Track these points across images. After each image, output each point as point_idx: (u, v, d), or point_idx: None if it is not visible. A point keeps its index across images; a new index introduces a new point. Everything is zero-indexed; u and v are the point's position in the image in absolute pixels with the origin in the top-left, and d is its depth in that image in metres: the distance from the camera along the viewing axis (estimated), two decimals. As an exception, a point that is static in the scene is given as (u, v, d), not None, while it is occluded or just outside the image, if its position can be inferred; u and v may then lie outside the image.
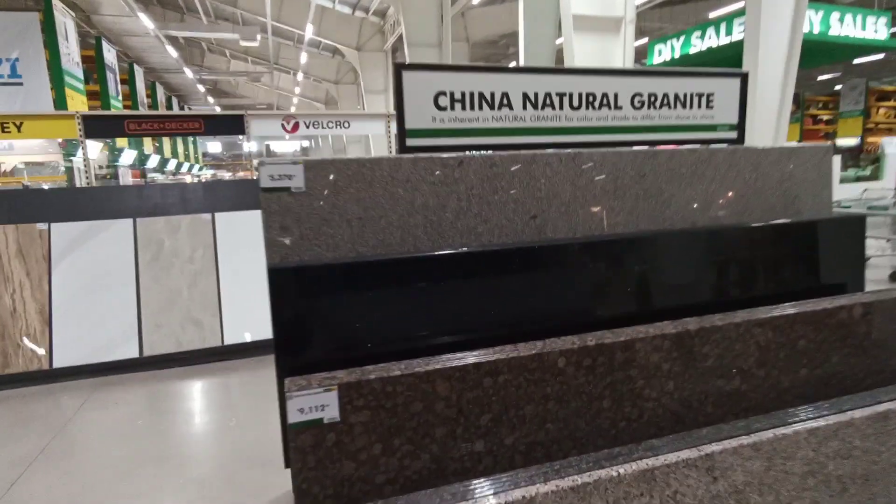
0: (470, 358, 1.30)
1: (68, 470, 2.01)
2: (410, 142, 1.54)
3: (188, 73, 15.77)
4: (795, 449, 1.24)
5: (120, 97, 12.79)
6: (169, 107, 18.08)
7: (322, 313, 1.34)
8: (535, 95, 1.64)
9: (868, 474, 1.33)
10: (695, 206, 1.80)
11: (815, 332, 1.60)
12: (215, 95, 24.03)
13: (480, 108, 1.60)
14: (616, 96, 1.73)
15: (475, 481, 1.13)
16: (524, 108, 1.64)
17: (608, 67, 1.74)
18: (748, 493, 1.19)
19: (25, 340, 3.71)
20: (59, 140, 9.83)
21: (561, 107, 1.68)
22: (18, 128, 3.51)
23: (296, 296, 1.31)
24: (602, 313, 1.58)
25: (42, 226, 3.71)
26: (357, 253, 1.46)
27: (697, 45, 6.64)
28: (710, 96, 1.85)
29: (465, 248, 1.52)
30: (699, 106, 1.84)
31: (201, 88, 19.47)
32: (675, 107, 1.81)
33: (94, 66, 11.47)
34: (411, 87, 1.52)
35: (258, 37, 13.46)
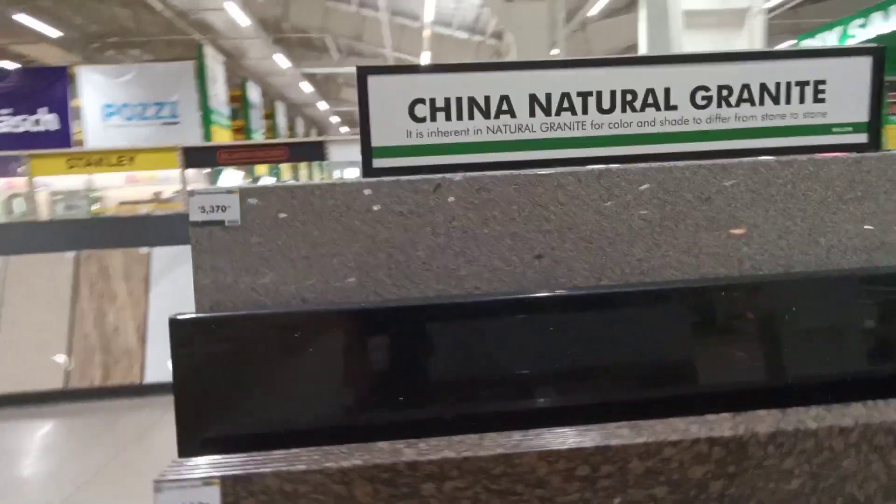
0: (406, 452, 0.95)
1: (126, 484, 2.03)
2: (378, 162, 1.25)
3: (320, 106, 17.15)
4: None
5: (263, 130, 14.24)
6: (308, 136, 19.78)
7: (237, 377, 1.09)
8: (548, 97, 1.25)
9: None
10: (789, 240, 1.25)
11: None
12: (352, 125, 25.96)
13: (471, 116, 1.25)
14: (667, 92, 1.27)
15: None
16: (532, 114, 1.26)
17: (655, 54, 1.30)
18: None
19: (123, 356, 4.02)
20: (207, 170, 11.03)
21: (585, 110, 1.26)
22: (132, 160, 3.90)
23: (201, 353, 1.07)
24: (624, 395, 1.13)
25: (144, 250, 4.02)
26: (302, 300, 1.19)
27: (860, 34, 5.44)
28: (818, 84, 1.29)
29: (436, 297, 1.18)
30: (801, 99, 1.30)
31: (334, 120, 21.08)
32: (762, 102, 1.29)
33: (240, 104, 12.88)
34: (380, 95, 1.23)
35: (383, 68, 14.16)
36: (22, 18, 9.60)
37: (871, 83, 1.29)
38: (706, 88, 1.27)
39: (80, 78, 9.84)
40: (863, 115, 1.31)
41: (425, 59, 12.66)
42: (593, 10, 10.02)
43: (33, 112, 9.58)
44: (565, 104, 1.26)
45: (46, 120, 9.61)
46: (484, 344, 1.15)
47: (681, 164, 1.24)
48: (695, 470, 0.96)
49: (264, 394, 1.11)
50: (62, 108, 9.62)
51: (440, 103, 1.24)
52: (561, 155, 1.27)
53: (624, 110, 1.27)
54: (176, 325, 1.05)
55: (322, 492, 0.92)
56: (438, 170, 1.25)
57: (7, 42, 11.48)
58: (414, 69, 1.24)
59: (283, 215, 1.18)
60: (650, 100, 1.27)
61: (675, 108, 1.27)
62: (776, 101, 1.29)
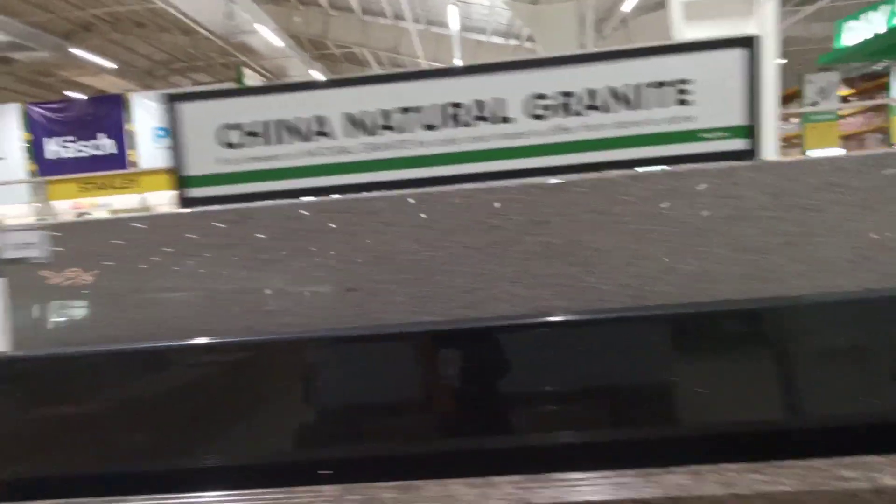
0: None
1: None
2: (192, 192, 1.19)
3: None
4: None
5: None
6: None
7: (31, 420, 1.06)
8: (367, 115, 1.15)
9: None
10: (641, 268, 1.07)
11: None
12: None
13: (285, 140, 1.17)
14: (501, 103, 1.13)
15: None
16: (349, 134, 1.16)
17: (485, 63, 1.15)
18: None
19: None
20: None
21: (408, 129, 1.15)
22: (135, 182, 4.09)
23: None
24: (419, 449, 0.99)
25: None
26: (110, 339, 1.15)
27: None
28: (683, 85, 1.11)
29: (245, 334, 1.10)
30: (661, 103, 1.11)
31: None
32: (614, 108, 1.12)
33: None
34: (190, 121, 1.17)
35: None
36: (82, 53, 10.44)
37: (747, 79, 1.09)
38: (544, 96, 1.12)
39: (133, 104, 10.55)
40: (740, 118, 1.10)
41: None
42: (626, 6, 9.56)
43: (93, 137, 10.36)
44: (386, 122, 1.14)
45: (105, 144, 10.36)
46: (282, 383, 1.06)
47: (510, 183, 1.10)
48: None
49: (65, 438, 1.08)
50: (118, 132, 10.34)
51: (253, 128, 1.16)
52: (384, 178, 1.15)
53: (453, 125, 1.14)
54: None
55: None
56: (255, 198, 1.17)
57: (72, 74, 12.57)
58: (225, 93, 1.18)
59: (90, 251, 1.15)
60: (481, 112, 1.13)
61: (510, 119, 1.13)
62: (631, 105, 1.11)
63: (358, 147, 1.15)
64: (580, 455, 0.92)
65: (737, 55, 1.09)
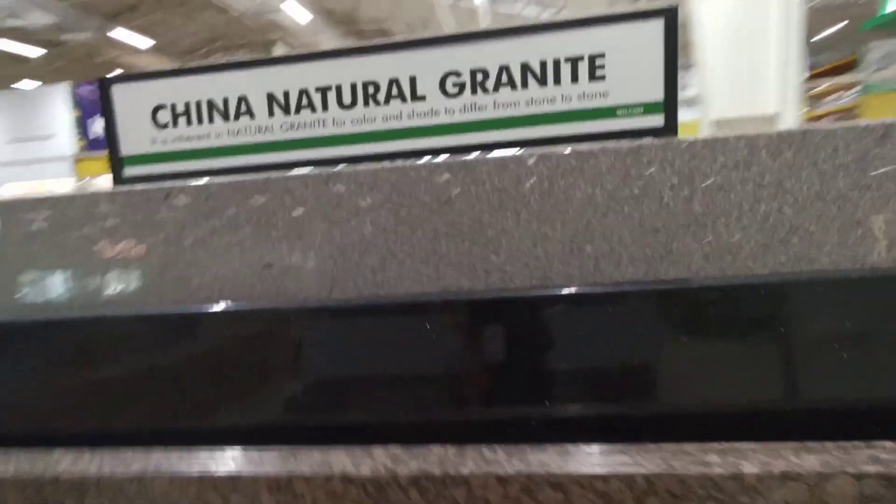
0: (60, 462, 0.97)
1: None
2: (129, 171, 1.25)
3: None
4: None
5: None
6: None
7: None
8: (286, 95, 1.17)
9: None
10: (547, 249, 1.06)
11: None
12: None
13: (211, 120, 1.21)
14: (413, 81, 1.13)
15: None
16: (271, 114, 1.18)
17: (398, 39, 1.13)
18: None
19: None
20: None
21: (325, 107, 1.16)
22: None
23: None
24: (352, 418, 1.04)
25: None
26: (56, 311, 1.24)
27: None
28: (595, 59, 1.07)
29: (169, 308, 1.17)
30: (574, 78, 1.08)
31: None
32: (525, 85, 1.10)
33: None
34: (124, 103, 1.23)
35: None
36: (121, 34, 10.79)
37: (664, 52, 1.05)
38: (458, 74, 1.11)
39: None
40: (656, 93, 1.07)
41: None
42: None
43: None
44: (304, 101, 1.17)
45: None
46: (207, 358, 1.12)
47: (417, 162, 1.11)
48: None
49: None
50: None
51: (181, 108, 1.21)
52: (304, 156, 1.18)
53: (367, 104, 1.15)
54: None
55: (-25, 498, 0.96)
56: (184, 176, 1.22)
57: (117, 55, 13.08)
58: (157, 74, 1.22)
59: (37, 227, 1.23)
60: (394, 91, 1.13)
61: (423, 98, 1.13)
62: (542, 82, 1.09)
63: (277, 126, 1.18)
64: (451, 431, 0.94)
65: (653, 27, 1.04)
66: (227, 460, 0.93)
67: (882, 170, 0.98)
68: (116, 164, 1.24)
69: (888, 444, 0.83)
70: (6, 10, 8.81)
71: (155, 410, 1.09)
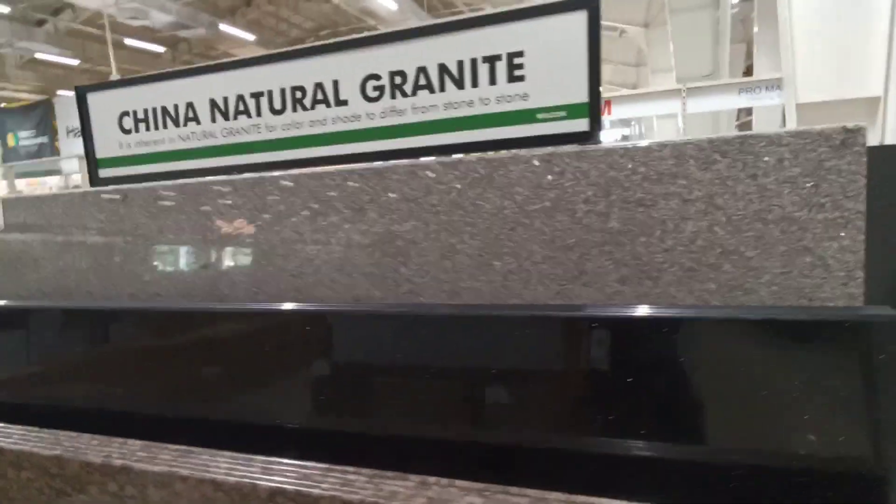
0: (0, 440, 1.09)
1: None
2: (103, 173, 1.36)
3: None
4: None
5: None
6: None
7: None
8: (225, 101, 1.20)
9: None
10: (455, 262, 1.00)
11: None
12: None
13: (164, 125, 1.27)
14: (336, 85, 1.10)
15: None
16: (213, 120, 1.22)
17: (320, 44, 1.05)
18: None
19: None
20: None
21: (259, 113, 1.18)
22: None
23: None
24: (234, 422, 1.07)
25: None
26: (43, 296, 1.39)
27: None
28: (513, 58, 0.98)
29: (129, 303, 1.27)
30: (492, 80, 1.00)
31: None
32: (442, 88, 1.03)
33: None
34: (98, 110, 1.33)
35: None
36: (228, 28, 11.70)
37: (587, 48, 0.93)
38: (377, 77, 1.07)
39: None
40: (579, 95, 0.95)
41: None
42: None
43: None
44: (241, 107, 1.19)
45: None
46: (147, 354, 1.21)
47: (331, 168, 1.09)
48: None
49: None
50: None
51: (140, 114, 1.29)
52: (240, 161, 1.21)
53: (294, 109, 1.14)
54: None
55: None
56: (146, 178, 1.31)
57: (228, 47, 14.21)
58: (125, 83, 1.31)
59: (25, 223, 1.39)
60: (319, 95, 1.12)
61: (345, 102, 1.10)
62: (459, 84, 1.02)
63: (219, 131, 1.22)
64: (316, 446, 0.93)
65: (573, 21, 0.93)
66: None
67: (839, 185, 0.80)
68: (92, 165, 1.35)
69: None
70: (131, 12, 9.96)
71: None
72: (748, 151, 0.84)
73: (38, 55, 12.96)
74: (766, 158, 0.83)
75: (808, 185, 0.82)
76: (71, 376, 1.23)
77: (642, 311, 0.83)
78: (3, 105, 14.21)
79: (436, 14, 16.07)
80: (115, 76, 10.54)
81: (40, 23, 12.69)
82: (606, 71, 19.78)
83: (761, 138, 0.83)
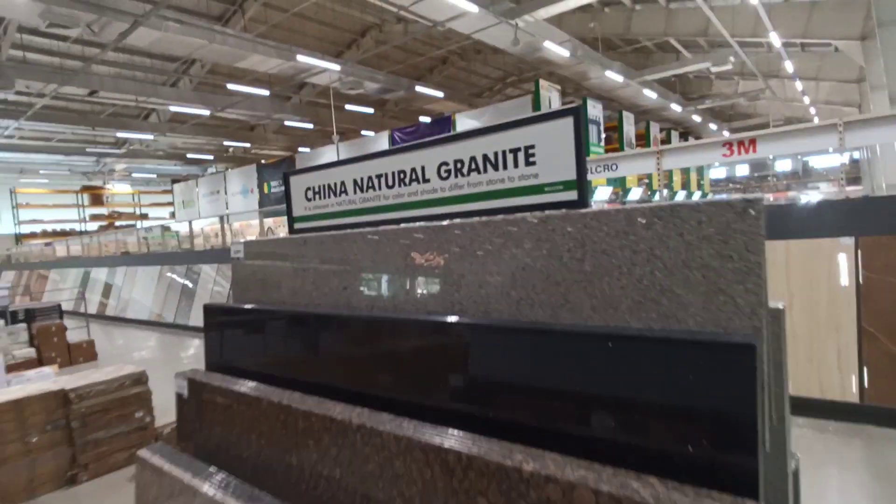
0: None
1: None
2: (297, 225, 2.11)
3: (674, 107, 16.58)
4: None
5: (601, 143, 15.03)
6: (668, 140, 19.21)
7: (226, 335, 2.17)
8: (362, 180, 1.84)
9: None
10: (488, 291, 1.42)
11: (503, 498, 1.10)
12: (722, 119, 23.54)
13: (328, 196, 1.96)
14: (423, 169, 1.64)
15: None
16: (354, 192, 1.87)
17: (416, 142, 1.44)
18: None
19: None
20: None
21: (378, 188, 1.78)
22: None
23: (213, 321, 2.20)
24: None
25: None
26: (263, 304, 2.18)
27: None
28: (529, 149, 1.39)
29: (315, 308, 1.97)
30: (515, 164, 1.42)
31: (696, 118, 19.71)
32: (485, 170, 1.49)
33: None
34: (294, 187, 2.09)
35: (730, 59, 12.80)
36: (421, 89, 13.52)
37: (574, 141, 1.31)
38: (447, 164, 1.58)
39: (458, 122, 12.98)
40: (570, 174, 1.32)
41: (775, 39, 10.63)
42: None
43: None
44: (370, 184, 1.81)
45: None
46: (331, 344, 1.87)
47: (422, 224, 1.62)
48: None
49: (238, 349, 2.16)
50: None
51: (317, 189, 2.00)
52: (368, 219, 1.82)
53: (400, 185, 1.72)
54: (205, 309, 2.23)
55: (228, 396, 1.91)
56: (316, 230, 2.01)
57: (419, 105, 16.34)
58: (308, 170, 2.05)
59: (258, 255, 2.20)
60: (413, 176, 1.67)
61: (428, 181, 1.63)
62: (495, 167, 1.47)
63: (358, 200, 1.86)
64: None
65: (564, 124, 1.32)
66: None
67: (742, 242, 1.05)
68: (291, 221, 2.11)
69: (652, 478, 0.97)
70: (350, 84, 12.36)
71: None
72: (677, 216, 1.13)
73: (287, 122, 16.60)
74: (690, 221, 1.11)
75: (719, 241, 1.08)
76: (305, 362, 1.95)
77: (606, 330, 1.17)
78: (263, 161, 18.47)
79: (616, 51, 16.12)
80: (335, 136, 12.97)
81: (288, 98, 16.30)
82: (823, 89, 17.27)
83: (686, 206, 1.12)
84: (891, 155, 9.94)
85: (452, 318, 1.48)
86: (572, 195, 1.33)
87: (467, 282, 1.49)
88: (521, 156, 1.42)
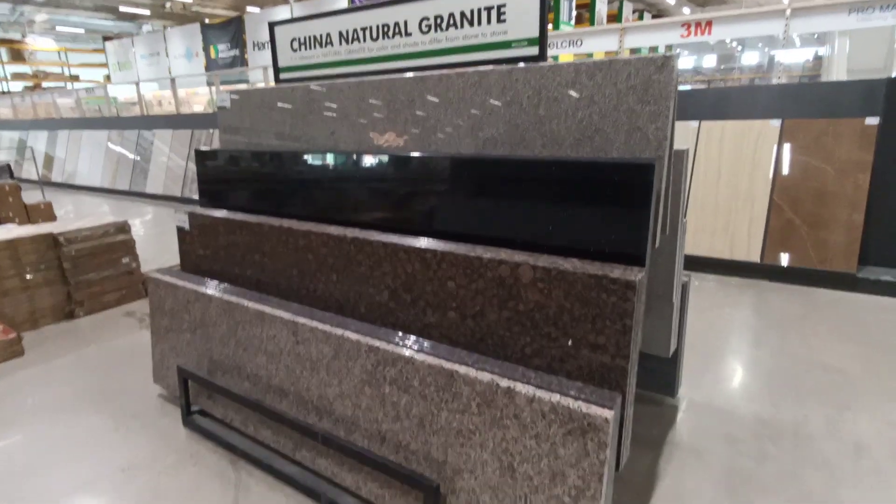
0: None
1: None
2: (282, 75, 2.28)
3: (647, -13, 16.02)
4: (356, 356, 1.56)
5: (572, 21, 14.54)
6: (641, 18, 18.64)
7: (220, 176, 2.42)
8: (347, 32, 2.01)
9: (422, 417, 1.46)
10: (458, 130, 1.73)
11: (467, 279, 1.50)
12: (697, 4, 22.91)
13: (314, 47, 2.13)
14: (406, 23, 1.84)
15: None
16: (340, 44, 2.04)
17: None
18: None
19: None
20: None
21: (364, 40, 1.97)
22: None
23: (205, 165, 2.43)
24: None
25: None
26: (254, 147, 2.40)
27: None
28: (500, 9, 1.62)
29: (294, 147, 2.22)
30: (488, 21, 1.65)
31: (670, 1, 19.16)
32: (461, 26, 1.71)
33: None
34: (280, 38, 2.23)
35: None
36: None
37: (539, 4, 1.54)
38: (427, 19, 1.78)
39: None
40: (534, 31, 1.58)
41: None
42: None
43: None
44: (355, 37, 1.99)
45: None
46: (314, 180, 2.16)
47: (401, 76, 1.85)
48: (322, 250, 1.82)
49: (229, 184, 2.43)
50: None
51: (303, 40, 2.16)
52: (352, 69, 2.03)
53: (384, 38, 1.91)
54: (197, 153, 2.45)
55: (222, 226, 2.21)
56: (302, 80, 2.20)
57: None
58: (292, 20, 2.18)
59: (245, 104, 2.38)
60: (396, 30, 1.87)
61: (410, 34, 1.84)
62: (472, 23, 1.69)
63: (343, 51, 2.04)
64: None
65: (532, -15, 1.54)
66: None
67: (658, 90, 1.38)
68: (276, 71, 2.28)
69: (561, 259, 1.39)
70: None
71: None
72: (613, 69, 1.43)
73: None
74: (622, 74, 1.42)
75: (642, 89, 1.40)
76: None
77: (552, 158, 1.51)
78: (207, 21, 16.95)
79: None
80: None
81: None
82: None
83: (620, 61, 1.42)
84: (847, 54, 10.23)
85: (429, 154, 1.79)
86: (534, 50, 1.60)
87: (442, 124, 1.78)
88: (493, 14, 1.64)
